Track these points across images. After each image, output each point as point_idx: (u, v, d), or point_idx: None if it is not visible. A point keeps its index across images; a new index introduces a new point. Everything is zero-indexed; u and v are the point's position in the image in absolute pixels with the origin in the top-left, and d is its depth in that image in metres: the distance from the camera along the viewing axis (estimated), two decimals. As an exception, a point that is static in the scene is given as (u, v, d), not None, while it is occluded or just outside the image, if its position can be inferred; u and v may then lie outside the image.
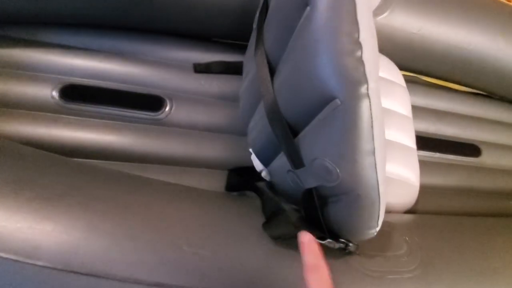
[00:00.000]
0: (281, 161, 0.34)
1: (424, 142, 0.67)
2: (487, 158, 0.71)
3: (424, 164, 0.65)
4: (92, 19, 0.52)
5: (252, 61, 0.39)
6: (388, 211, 0.48)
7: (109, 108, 0.51)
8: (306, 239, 0.21)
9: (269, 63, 0.34)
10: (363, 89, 0.24)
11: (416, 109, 0.70)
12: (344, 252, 0.30)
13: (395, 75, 0.62)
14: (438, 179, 0.66)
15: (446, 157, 0.68)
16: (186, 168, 0.51)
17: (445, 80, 0.74)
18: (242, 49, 0.53)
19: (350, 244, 0.29)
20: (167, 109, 0.53)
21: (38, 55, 0.51)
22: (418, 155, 0.65)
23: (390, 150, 0.54)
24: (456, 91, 0.78)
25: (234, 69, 0.58)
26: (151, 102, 0.53)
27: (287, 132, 0.29)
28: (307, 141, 0.30)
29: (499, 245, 0.44)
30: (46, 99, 0.49)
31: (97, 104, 0.50)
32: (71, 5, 0.49)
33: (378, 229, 0.28)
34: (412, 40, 0.62)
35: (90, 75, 0.52)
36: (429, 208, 0.59)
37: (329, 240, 0.29)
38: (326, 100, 0.26)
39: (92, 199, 0.30)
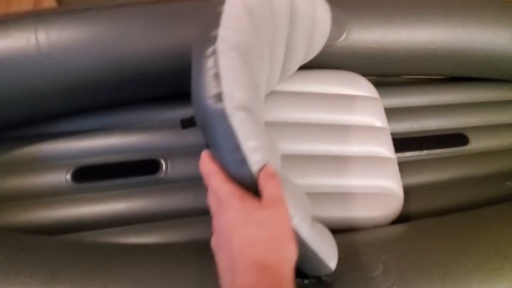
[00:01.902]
0: None
1: (409, 142, 0.70)
2: (476, 144, 0.72)
3: (413, 165, 0.68)
4: (91, 106, 0.60)
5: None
6: (374, 225, 0.53)
7: (115, 179, 0.58)
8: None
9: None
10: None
11: (394, 110, 0.73)
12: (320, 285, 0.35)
13: (363, 89, 0.66)
14: (429, 176, 0.67)
15: (434, 152, 0.70)
16: (190, 219, 0.57)
17: (417, 75, 0.77)
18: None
19: (323, 278, 0.34)
20: (163, 169, 0.60)
21: (48, 146, 0.59)
22: (405, 157, 0.69)
23: (370, 164, 0.58)
24: (429, 81, 0.80)
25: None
26: (149, 165, 0.60)
27: None
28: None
29: (491, 239, 0.45)
30: (61, 184, 0.57)
31: (104, 178, 0.58)
32: (75, 101, 0.57)
33: (333, 264, 0.33)
34: (374, 53, 0.65)
35: (96, 153, 0.60)
36: (421, 209, 0.62)
37: (307, 280, 0.34)
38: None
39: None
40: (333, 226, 0.52)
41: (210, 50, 0.28)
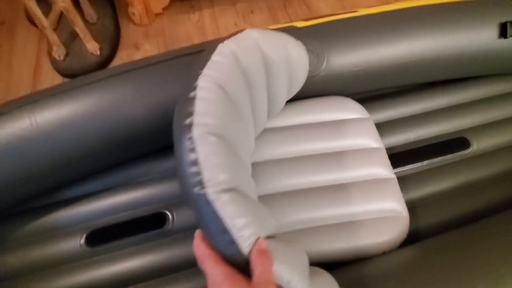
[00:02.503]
0: None
1: (408, 155, 0.69)
2: (478, 145, 0.70)
3: (416, 177, 0.67)
4: (94, 170, 0.63)
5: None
6: (383, 251, 0.52)
7: (126, 238, 0.60)
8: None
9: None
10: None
11: (388, 124, 0.73)
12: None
13: (353, 111, 0.66)
14: (435, 187, 0.66)
15: (436, 160, 0.69)
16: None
17: (404, 85, 0.76)
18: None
19: None
20: (170, 220, 0.61)
21: (59, 214, 0.62)
22: (407, 170, 0.68)
23: (370, 188, 0.58)
24: (418, 88, 0.78)
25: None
26: (156, 219, 0.62)
27: None
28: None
29: (505, 249, 0.44)
30: (76, 250, 0.59)
31: (115, 238, 0.60)
32: (79, 169, 0.59)
33: None
34: (357, 74, 0.66)
35: (105, 214, 0.62)
36: (431, 222, 0.61)
37: None
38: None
39: None
40: (341, 258, 0.52)
41: (187, 137, 0.30)
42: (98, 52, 1.00)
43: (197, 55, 0.39)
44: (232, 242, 0.27)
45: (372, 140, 0.63)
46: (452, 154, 0.70)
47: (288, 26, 0.64)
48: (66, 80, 1.01)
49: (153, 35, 1.10)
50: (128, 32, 1.12)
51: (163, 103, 0.57)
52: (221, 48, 0.38)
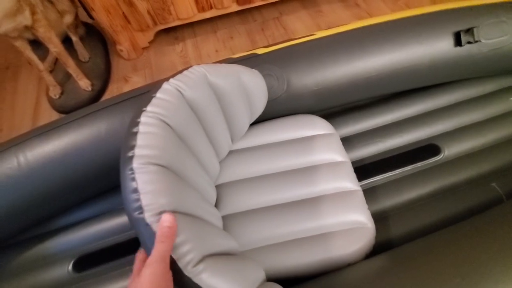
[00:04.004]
0: None
1: (380, 165, 0.71)
2: (449, 150, 0.71)
3: (388, 186, 0.68)
4: (80, 200, 0.68)
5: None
6: (348, 263, 0.53)
7: (116, 260, 0.62)
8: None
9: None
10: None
11: (358, 136, 0.75)
12: None
13: (318, 128, 0.69)
14: (408, 195, 0.67)
15: (408, 168, 0.70)
16: None
17: (367, 99, 0.78)
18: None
19: None
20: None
21: (48, 243, 0.66)
22: (378, 180, 0.69)
23: (338, 200, 0.59)
24: (385, 99, 0.80)
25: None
26: (137, 242, 0.65)
27: None
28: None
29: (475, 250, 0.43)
30: (64, 276, 0.63)
31: (102, 263, 0.63)
32: (65, 201, 0.63)
33: None
34: (319, 93, 0.69)
35: (91, 240, 0.66)
36: (405, 231, 0.61)
37: None
38: None
39: None
40: (308, 272, 0.53)
41: (128, 168, 0.34)
42: (90, 88, 1.08)
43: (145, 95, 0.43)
44: (172, 261, 0.30)
45: (337, 154, 0.65)
46: (424, 161, 0.71)
47: (250, 54, 0.69)
48: (60, 115, 1.09)
49: (141, 68, 1.18)
50: (118, 66, 1.20)
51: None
52: (165, 86, 0.43)
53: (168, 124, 0.39)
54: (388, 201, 0.67)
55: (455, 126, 0.75)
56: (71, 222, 0.68)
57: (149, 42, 1.21)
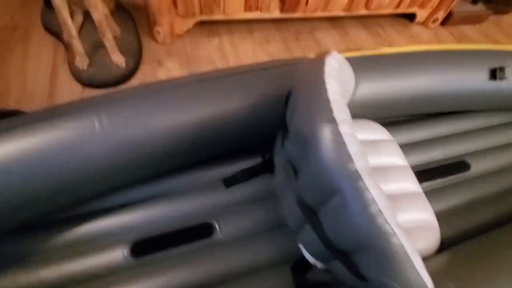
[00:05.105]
0: (339, 266, 0.43)
1: (423, 174, 0.79)
2: (476, 168, 0.83)
3: (429, 194, 0.76)
4: (141, 178, 0.62)
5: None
6: (423, 258, 0.58)
7: (172, 249, 0.58)
8: None
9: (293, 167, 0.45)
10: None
11: (406, 146, 0.83)
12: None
13: (381, 133, 0.75)
14: (445, 203, 0.75)
15: (443, 180, 0.78)
16: (250, 280, 0.57)
17: (417, 114, 0.89)
18: (255, 153, 0.65)
19: None
20: (217, 231, 0.62)
21: (101, 223, 0.59)
22: (423, 188, 0.76)
23: (403, 201, 0.64)
24: (429, 116, 0.91)
25: (258, 171, 0.69)
26: (202, 229, 0.62)
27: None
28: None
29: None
30: (120, 261, 0.56)
31: (161, 249, 0.58)
32: (131, 175, 0.58)
33: None
34: (379, 101, 0.76)
35: (148, 225, 0.60)
36: (453, 233, 0.68)
37: None
38: (331, 192, 0.36)
39: None
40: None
41: (335, 132, 0.34)
42: (124, 65, 1.01)
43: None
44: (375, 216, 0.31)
45: (400, 159, 0.71)
46: (454, 175, 0.80)
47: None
48: (86, 90, 0.99)
49: (175, 54, 1.14)
50: (150, 49, 1.14)
51: (219, 115, 0.60)
52: (329, 60, 0.44)
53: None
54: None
55: (484, 147, 0.87)
56: (131, 200, 0.62)
57: (185, 31, 1.18)
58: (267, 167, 0.69)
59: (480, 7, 1.58)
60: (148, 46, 1.15)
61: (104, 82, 0.98)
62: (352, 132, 0.34)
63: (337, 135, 0.33)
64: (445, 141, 0.87)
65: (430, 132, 0.89)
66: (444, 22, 1.56)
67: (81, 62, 0.98)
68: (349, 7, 1.28)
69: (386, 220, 0.31)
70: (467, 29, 1.59)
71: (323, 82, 0.38)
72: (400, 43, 1.42)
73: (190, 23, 1.16)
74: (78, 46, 0.96)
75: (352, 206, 0.32)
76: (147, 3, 1.05)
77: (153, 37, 1.16)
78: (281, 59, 0.70)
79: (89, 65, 1.00)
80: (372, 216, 0.31)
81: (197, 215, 0.64)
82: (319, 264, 0.50)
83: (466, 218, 0.73)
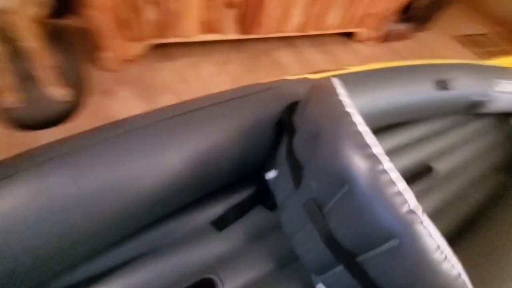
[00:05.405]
0: None
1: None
2: (439, 168, 0.91)
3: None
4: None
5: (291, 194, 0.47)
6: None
7: None
8: None
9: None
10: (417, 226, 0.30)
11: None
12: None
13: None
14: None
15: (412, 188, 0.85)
16: None
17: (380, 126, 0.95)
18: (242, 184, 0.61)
19: None
20: (219, 285, 0.54)
21: None
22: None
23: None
24: (387, 128, 0.97)
25: (249, 206, 0.63)
26: (204, 285, 0.53)
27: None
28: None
29: None
30: None
31: None
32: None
33: None
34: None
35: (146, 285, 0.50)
36: None
37: None
38: (385, 238, 0.32)
39: None
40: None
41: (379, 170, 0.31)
42: (65, 98, 0.85)
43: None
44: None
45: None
46: (419, 180, 0.87)
47: (302, 78, 0.73)
48: (20, 132, 0.80)
49: (126, 82, 1.02)
50: (96, 78, 1.00)
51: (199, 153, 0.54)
52: (338, 89, 0.41)
53: None
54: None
55: (448, 144, 0.96)
56: (109, 265, 0.50)
57: (137, 56, 1.07)
58: (258, 199, 0.64)
59: (405, 26, 1.83)
60: (94, 75, 1.01)
61: (43, 122, 0.81)
62: (393, 165, 0.32)
63: (382, 174, 0.31)
64: (409, 149, 0.94)
65: (390, 143, 0.96)
66: (378, 39, 1.76)
67: (11, 99, 0.80)
68: (301, 28, 1.33)
69: (453, 266, 0.29)
70: (396, 45, 1.81)
71: (348, 114, 0.35)
72: (346, 59, 1.54)
73: (140, 47, 1.05)
74: (6, 80, 0.78)
75: (412, 254, 0.30)
76: (88, 26, 0.92)
77: (99, 65, 1.02)
78: (260, 83, 0.67)
79: (23, 102, 0.82)
80: (438, 263, 0.29)
81: (193, 269, 0.55)
82: None
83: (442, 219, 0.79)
